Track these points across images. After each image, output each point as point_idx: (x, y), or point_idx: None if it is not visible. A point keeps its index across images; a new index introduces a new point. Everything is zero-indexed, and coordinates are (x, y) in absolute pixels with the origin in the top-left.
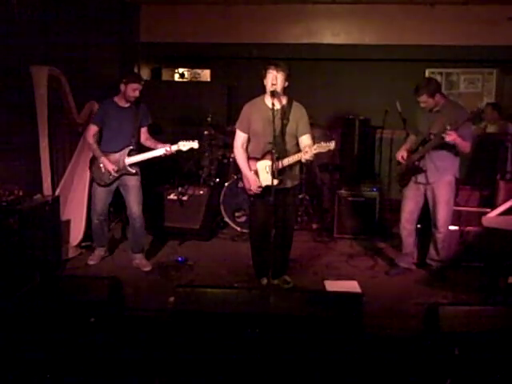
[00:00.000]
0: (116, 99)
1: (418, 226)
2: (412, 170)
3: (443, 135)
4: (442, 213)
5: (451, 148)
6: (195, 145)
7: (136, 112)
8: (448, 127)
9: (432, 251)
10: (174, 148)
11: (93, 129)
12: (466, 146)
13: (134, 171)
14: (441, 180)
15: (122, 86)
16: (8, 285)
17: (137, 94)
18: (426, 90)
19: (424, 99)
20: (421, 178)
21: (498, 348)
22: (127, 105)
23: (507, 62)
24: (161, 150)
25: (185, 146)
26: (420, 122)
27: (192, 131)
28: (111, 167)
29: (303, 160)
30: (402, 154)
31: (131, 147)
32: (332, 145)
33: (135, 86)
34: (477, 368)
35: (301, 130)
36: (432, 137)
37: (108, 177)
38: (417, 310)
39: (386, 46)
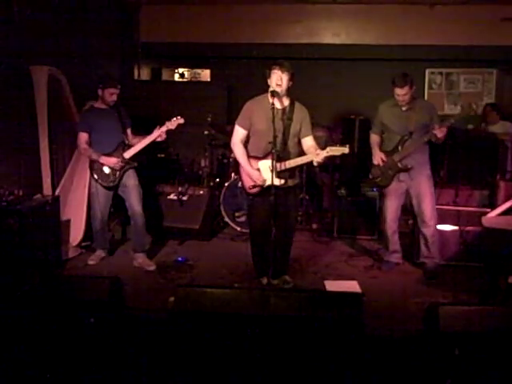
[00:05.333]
0: (96, 104)
1: (410, 221)
2: (395, 169)
3: (434, 132)
4: (429, 206)
5: (427, 143)
6: (181, 120)
7: (118, 112)
8: (436, 125)
9: (424, 250)
10: (163, 129)
11: (83, 136)
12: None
13: (135, 164)
14: (421, 174)
15: (100, 91)
16: (8, 285)
17: (114, 98)
18: (408, 81)
19: (406, 91)
20: (403, 176)
21: (497, 348)
22: (107, 107)
23: (507, 61)
24: (153, 135)
25: (172, 124)
26: (390, 121)
27: (192, 131)
28: (115, 161)
29: (315, 163)
30: (381, 157)
31: (125, 142)
32: (346, 149)
33: (112, 90)
34: (477, 368)
35: (304, 131)
36: (414, 135)
37: (114, 175)
38: (417, 309)
39: (386, 46)
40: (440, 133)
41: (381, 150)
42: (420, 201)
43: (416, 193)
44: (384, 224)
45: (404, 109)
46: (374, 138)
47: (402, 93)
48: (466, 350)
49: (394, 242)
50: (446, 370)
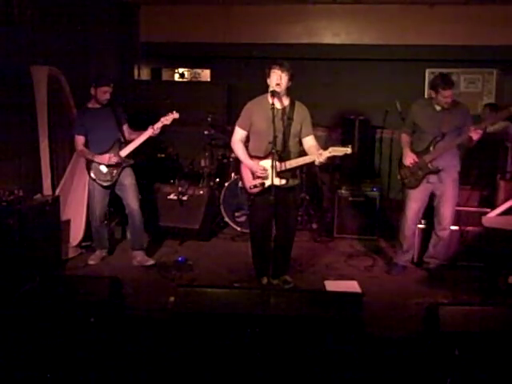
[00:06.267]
0: (89, 104)
1: (420, 225)
2: (425, 170)
3: (470, 134)
4: (450, 211)
5: (458, 145)
6: (176, 115)
7: (112, 109)
8: (472, 127)
9: (431, 250)
10: (158, 125)
11: (80, 139)
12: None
13: (132, 161)
14: (450, 177)
15: (93, 90)
16: (8, 285)
17: (107, 96)
18: (453, 84)
19: (451, 93)
20: (433, 178)
21: (497, 348)
22: (101, 106)
23: (507, 61)
24: (147, 132)
25: (167, 119)
26: (423, 121)
27: (192, 131)
28: (107, 158)
29: (317, 163)
30: (413, 158)
31: (121, 140)
32: (349, 149)
33: (105, 88)
34: (477, 368)
35: (304, 131)
36: (446, 137)
37: (111, 174)
38: (417, 309)
39: (386, 46)
40: (476, 134)
41: (411, 150)
42: (442, 204)
43: (440, 195)
44: (404, 224)
45: (438, 109)
46: (405, 138)
47: (450, 94)
48: (465, 350)
49: (411, 243)
50: (446, 370)
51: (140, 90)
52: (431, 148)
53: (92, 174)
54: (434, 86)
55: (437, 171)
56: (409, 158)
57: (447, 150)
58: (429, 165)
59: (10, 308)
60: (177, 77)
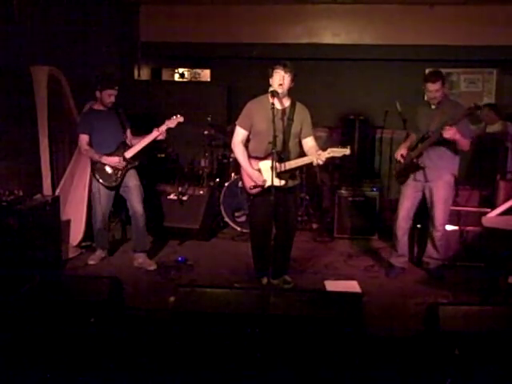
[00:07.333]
0: (95, 106)
1: (418, 225)
2: (411, 167)
3: (442, 131)
4: (440, 212)
5: (450, 146)
6: (181, 119)
7: (117, 112)
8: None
9: (430, 249)
10: (163, 128)
11: (84, 137)
12: (465, 144)
13: (137, 163)
14: (440, 179)
15: (98, 93)
16: (8, 285)
17: (112, 99)
18: (440, 77)
19: (438, 86)
20: (419, 175)
21: (497, 348)
22: (106, 109)
23: (507, 61)
24: (153, 134)
25: (172, 122)
26: (420, 118)
27: (192, 131)
28: (116, 160)
29: (315, 163)
30: (401, 153)
31: (125, 142)
32: (347, 150)
33: (110, 91)
34: (477, 368)
35: (305, 131)
36: (430, 134)
37: (116, 175)
38: (417, 310)
39: (386, 46)
40: (446, 133)
41: (406, 147)
42: (432, 206)
43: (430, 196)
44: (395, 222)
45: (433, 107)
46: (410, 137)
47: (434, 88)
48: (465, 350)
49: (403, 243)
50: (445, 370)
51: (140, 89)
52: (419, 145)
53: (97, 176)
54: (423, 83)
55: (420, 168)
56: (397, 152)
57: (429, 145)
58: (414, 161)
59: (10, 308)
60: (177, 77)
